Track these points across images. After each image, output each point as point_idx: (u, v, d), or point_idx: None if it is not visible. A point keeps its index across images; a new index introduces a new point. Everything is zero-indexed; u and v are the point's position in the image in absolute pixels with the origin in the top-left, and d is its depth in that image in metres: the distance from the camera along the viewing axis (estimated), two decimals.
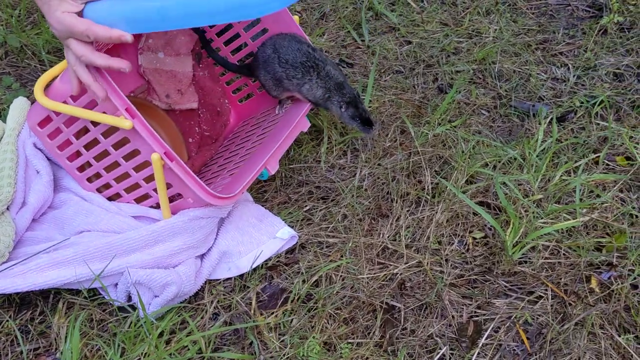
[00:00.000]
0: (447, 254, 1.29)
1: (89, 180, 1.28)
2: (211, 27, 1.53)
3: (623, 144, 1.50)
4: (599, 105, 1.60)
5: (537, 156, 1.46)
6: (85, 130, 1.18)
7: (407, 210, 1.37)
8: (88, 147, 1.21)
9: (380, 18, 1.90)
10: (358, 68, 1.76)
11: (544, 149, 1.48)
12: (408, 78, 1.73)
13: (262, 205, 1.39)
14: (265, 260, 1.26)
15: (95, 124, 1.14)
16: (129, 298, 1.19)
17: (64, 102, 1.14)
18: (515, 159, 1.46)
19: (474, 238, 1.33)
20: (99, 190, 1.29)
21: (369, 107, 1.61)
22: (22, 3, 1.83)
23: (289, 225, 1.32)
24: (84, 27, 0.99)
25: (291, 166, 1.48)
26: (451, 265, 1.27)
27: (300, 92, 1.41)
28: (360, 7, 1.92)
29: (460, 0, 1.95)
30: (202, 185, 1.15)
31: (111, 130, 1.13)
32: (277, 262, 1.28)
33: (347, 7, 1.92)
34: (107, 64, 1.02)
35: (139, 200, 1.27)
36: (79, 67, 1.05)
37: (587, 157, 1.47)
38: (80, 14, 1.01)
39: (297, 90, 1.42)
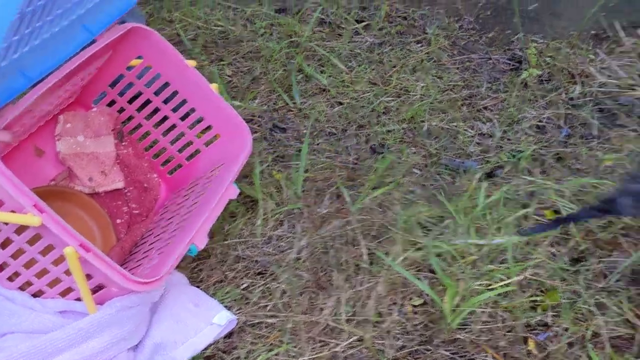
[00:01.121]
0: (387, 326, 1.28)
1: (10, 279, 1.21)
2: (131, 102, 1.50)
3: (550, 197, 1.55)
4: (525, 159, 1.65)
5: (469, 215, 1.49)
6: None
7: (346, 282, 1.36)
8: (3, 246, 1.15)
9: (311, 80, 1.92)
10: (291, 132, 1.76)
11: (476, 206, 1.51)
12: (341, 140, 1.74)
13: (198, 286, 1.35)
14: (203, 349, 1.22)
15: (5, 222, 1.09)
16: None
17: None
18: (449, 218, 1.48)
19: (414, 305, 1.33)
20: (21, 288, 1.22)
21: (305, 174, 1.60)
22: None
23: (226, 307, 1.29)
24: None
25: (226, 241, 1.45)
26: (393, 337, 1.26)
27: None
28: (291, 69, 1.93)
29: (386, 59, 2.00)
30: (123, 273, 1.10)
31: (23, 226, 1.08)
32: (215, 349, 1.24)
33: (277, 70, 1.93)
34: None
35: (64, 294, 1.21)
36: None
37: (516, 212, 1.51)
38: None
39: None
